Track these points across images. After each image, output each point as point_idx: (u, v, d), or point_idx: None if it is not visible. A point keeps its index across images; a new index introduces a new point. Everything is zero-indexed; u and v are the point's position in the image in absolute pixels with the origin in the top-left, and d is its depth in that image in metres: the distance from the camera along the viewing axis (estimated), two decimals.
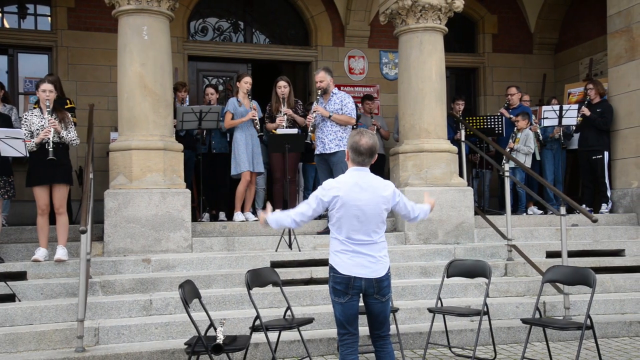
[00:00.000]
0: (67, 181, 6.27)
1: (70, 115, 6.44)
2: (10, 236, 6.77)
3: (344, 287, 3.75)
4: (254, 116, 7.65)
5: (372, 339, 3.99)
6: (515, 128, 8.91)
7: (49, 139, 6.01)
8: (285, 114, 7.79)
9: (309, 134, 7.47)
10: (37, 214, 6.12)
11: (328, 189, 3.80)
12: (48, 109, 6.12)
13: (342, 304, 3.78)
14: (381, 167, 8.88)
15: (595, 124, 8.70)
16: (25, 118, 6.20)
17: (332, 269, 3.81)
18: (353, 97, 7.76)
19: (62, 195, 6.19)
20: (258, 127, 7.70)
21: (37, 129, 6.09)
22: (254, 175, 7.79)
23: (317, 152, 7.37)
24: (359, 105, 9.88)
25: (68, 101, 7.58)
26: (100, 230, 6.66)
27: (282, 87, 7.89)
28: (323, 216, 8.31)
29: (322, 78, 7.30)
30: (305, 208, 3.87)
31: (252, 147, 7.68)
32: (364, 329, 4.26)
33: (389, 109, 10.48)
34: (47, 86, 6.17)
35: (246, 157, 7.59)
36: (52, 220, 6.29)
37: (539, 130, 9.23)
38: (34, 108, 6.43)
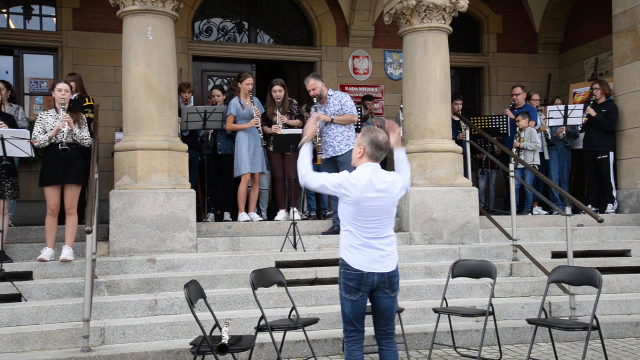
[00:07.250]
0: (79, 182, 6.25)
1: (84, 116, 6.48)
2: (16, 236, 6.78)
3: (356, 283, 3.75)
4: (256, 123, 7.63)
5: (378, 336, 3.97)
6: (518, 128, 8.90)
7: (62, 132, 6.05)
8: (281, 120, 7.76)
9: (314, 143, 7.35)
10: (47, 214, 6.14)
11: (347, 186, 3.79)
12: (63, 107, 6.17)
13: (353, 301, 3.78)
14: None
15: (601, 124, 8.67)
16: (40, 117, 6.25)
17: (344, 265, 3.80)
18: (357, 97, 7.69)
19: (74, 195, 6.20)
20: (262, 135, 7.67)
21: (52, 129, 6.12)
22: (257, 175, 7.79)
23: (326, 156, 7.15)
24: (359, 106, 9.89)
25: (87, 99, 7.59)
26: (105, 230, 6.68)
27: (277, 91, 7.83)
28: (327, 216, 8.34)
29: (313, 85, 7.04)
30: (323, 178, 3.91)
31: (255, 148, 7.68)
32: (369, 329, 4.26)
33: (394, 109, 10.45)
34: (62, 86, 6.25)
35: (247, 159, 7.59)
36: (59, 220, 6.30)
37: (547, 129, 9.20)
38: (50, 109, 6.48)
